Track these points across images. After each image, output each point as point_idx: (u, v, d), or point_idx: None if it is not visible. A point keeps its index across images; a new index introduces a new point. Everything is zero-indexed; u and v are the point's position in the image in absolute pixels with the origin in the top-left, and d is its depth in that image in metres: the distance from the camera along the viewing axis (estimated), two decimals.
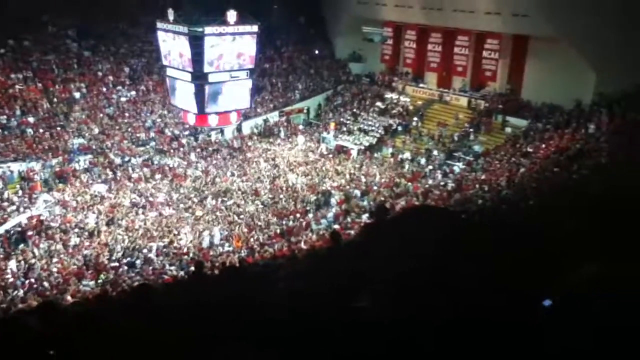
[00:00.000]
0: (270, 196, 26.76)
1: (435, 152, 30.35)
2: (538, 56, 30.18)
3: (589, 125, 24.54)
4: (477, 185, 23.68)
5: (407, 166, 29.81)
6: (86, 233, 22.22)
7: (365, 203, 25.26)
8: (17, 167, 25.80)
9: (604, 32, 24.85)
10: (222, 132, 32.92)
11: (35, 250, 20.27)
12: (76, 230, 22.36)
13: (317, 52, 41.39)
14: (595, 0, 24.93)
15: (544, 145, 25.51)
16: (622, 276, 1.63)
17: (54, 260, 19.67)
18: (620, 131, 21.10)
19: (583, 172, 18.81)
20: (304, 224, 23.81)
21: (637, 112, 21.97)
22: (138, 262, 20.20)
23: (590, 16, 25.18)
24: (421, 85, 36.58)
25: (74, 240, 21.57)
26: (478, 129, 31.01)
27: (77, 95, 30.85)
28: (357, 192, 26.59)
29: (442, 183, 26.39)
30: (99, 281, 18.26)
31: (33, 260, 19.27)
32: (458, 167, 28.40)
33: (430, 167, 29.12)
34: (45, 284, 17.65)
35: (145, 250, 21.03)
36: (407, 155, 30.83)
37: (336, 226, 22.30)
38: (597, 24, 24.98)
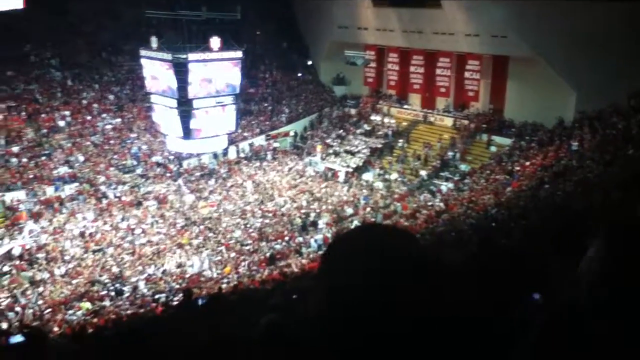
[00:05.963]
0: (258, 220, 26.67)
1: (422, 172, 30.56)
2: (519, 76, 30.65)
3: (572, 142, 24.89)
4: (464, 204, 23.82)
5: (394, 186, 29.94)
6: (73, 262, 21.93)
7: (354, 225, 25.28)
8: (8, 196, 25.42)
9: (578, 52, 25.41)
10: (215, 156, 32.79)
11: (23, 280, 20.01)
12: (63, 259, 22.07)
13: (300, 75, 41.70)
14: (567, 22, 25.48)
15: (528, 163, 25.81)
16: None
17: (40, 289, 19.39)
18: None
19: (568, 189, 19.01)
20: (293, 247, 23.75)
21: (615, 129, 22.38)
22: (126, 289, 19.97)
23: (564, 37, 25.78)
24: (405, 106, 36.96)
25: (60, 269, 21.28)
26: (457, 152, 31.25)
27: (61, 123, 30.67)
28: (350, 210, 26.74)
29: (429, 203, 26.52)
30: (86, 310, 18.01)
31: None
32: (445, 186, 28.59)
33: (418, 187, 29.28)
34: (30, 313, 17.41)
35: (133, 279, 20.79)
36: (395, 175, 31.00)
37: None
38: (572, 45, 25.57)
